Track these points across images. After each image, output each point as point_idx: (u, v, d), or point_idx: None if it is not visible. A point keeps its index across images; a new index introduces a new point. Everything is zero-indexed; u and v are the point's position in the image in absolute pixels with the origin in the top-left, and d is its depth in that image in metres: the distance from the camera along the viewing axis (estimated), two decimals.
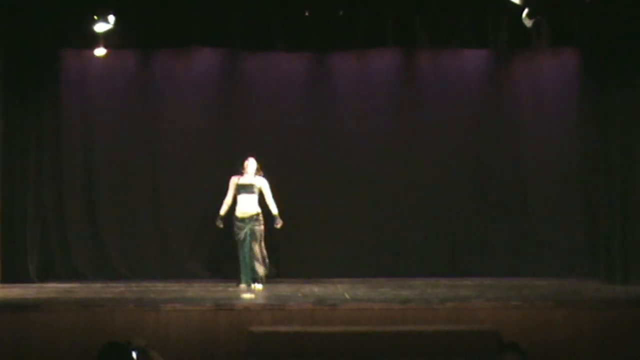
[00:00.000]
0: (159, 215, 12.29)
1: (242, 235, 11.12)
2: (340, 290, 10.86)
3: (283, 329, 9.01)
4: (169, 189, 12.28)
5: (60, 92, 12.13)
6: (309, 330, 9.01)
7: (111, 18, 10.74)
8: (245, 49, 11.95)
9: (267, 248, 11.29)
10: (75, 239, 12.11)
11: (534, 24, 10.44)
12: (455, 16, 11.51)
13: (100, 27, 10.81)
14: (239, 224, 11.15)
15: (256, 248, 11.07)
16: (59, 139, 12.13)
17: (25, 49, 11.48)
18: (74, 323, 9.11)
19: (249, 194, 11.15)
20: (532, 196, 12.45)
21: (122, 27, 10.98)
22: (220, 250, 11.96)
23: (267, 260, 11.27)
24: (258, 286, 11.01)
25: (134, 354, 5.17)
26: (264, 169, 11.29)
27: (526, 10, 10.17)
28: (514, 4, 10.17)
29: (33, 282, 11.49)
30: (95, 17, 10.75)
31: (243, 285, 11.07)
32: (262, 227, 11.17)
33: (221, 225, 11.31)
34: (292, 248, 12.24)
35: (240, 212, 11.16)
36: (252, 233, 11.08)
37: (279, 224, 11.24)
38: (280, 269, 12.03)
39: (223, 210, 11.27)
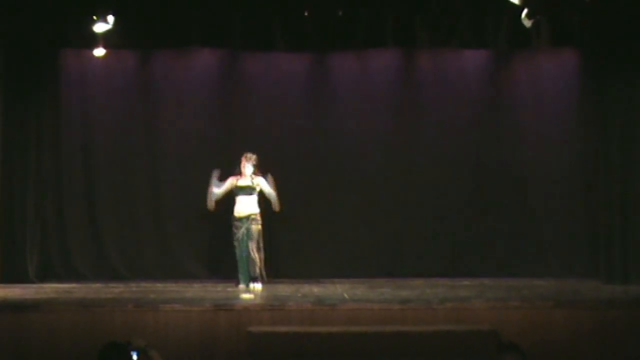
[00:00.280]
0: (159, 215, 12.29)
1: (239, 235, 11.13)
2: (339, 290, 10.86)
3: (282, 329, 9.01)
4: (169, 189, 12.28)
5: (60, 92, 12.13)
6: (309, 331, 9.00)
7: (110, 18, 10.74)
8: (245, 49, 11.95)
9: (264, 248, 11.27)
10: (75, 239, 12.12)
11: (533, 24, 10.45)
12: (455, 16, 11.51)
13: (100, 27, 10.82)
14: (236, 223, 11.17)
15: (252, 245, 11.06)
16: (59, 139, 12.13)
17: (25, 49, 11.49)
18: (74, 323, 9.11)
19: (247, 195, 11.17)
20: (532, 196, 12.45)
21: (122, 27, 10.99)
22: (219, 251, 11.97)
23: (263, 261, 11.24)
24: (257, 286, 11.00)
25: (133, 355, 5.17)
26: (263, 169, 11.28)
27: (525, 10, 10.18)
28: (514, 4, 10.17)
29: (33, 282, 11.49)
30: (95, 17, 10.75)
31: (242, 286, 11.07)
32: (260, 227, 11.16)
33: (213, 205, 11.25)
34: (291, 248, 12.23)
35: (237, 212, 11.19)
36: (249, 232, 11.08)
37: (276, 207, 11.20)
38: (279, 269, 12.03)
39: (215, 191, 11.22)
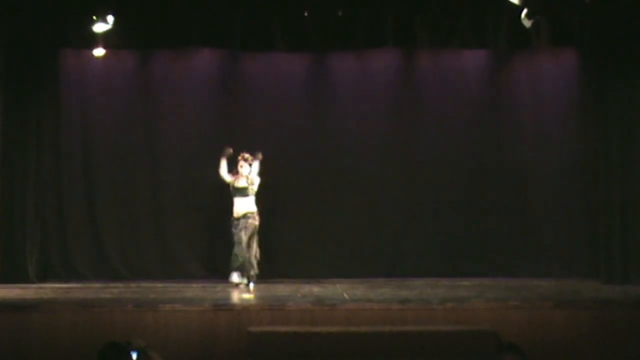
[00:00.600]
0: (158, 215, 12.29)
1: (238, 233, 11.12)
2: (339, 290, 10.86)
3: (282, 329, 9.02)
4: (169, 189, 12.28)
5: (60, 92, 12.13)
6: (308, 331, 9.01)
7: (110, 18, 10.74)
8: (245, 49, 11.95)
9: (260, 248, 11.24)
10: (75, 239, 12.12)
11: (533, 24, 10.46)
12: (455, 16, 11.51)
13: (100, 27, 10.83)
14: (235, 223, 11.16)
15: (244, 238, 10.99)
16: (59, 139, 12.14)
17: (25, 49, 11.49)
18: (74, 323, 9.12)
19: (244, 196, 11.16)
20: (532, 196, 12.45)
21: (122, 28, 11.00)
22: (219, 251, 11.96)
23: (258, 259, 11.21)
24: (250, 285, 10.98)
25: (133, 355, 5.17)
26: (263, 169, 11.27)
27: (525, 11, 10.18)
28: (514, 4, 10.17)
29: (32, 282, 11.49)
30: (95, 17, 10.76)
31: (242, 286, 11.06)
32: (257, 222, 11.12)
33: (230, 151, 11.23)
34: (291, 248, 12.23)
35: (236, 212, 11.19)
36: (245, 227, 11.07)
37: (259, 155, 11.17)
38: (280, 269, 12.02)
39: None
